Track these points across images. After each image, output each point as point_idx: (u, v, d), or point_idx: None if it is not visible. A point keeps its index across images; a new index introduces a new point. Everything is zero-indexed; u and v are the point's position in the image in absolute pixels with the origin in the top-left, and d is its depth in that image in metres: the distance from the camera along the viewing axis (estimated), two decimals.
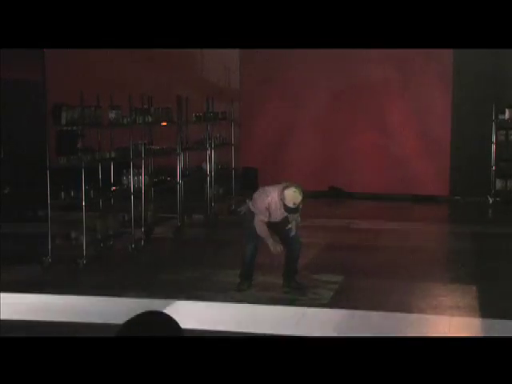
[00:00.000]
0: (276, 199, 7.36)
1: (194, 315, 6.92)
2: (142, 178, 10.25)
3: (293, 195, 7.25)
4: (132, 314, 2.50)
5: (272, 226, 7.61)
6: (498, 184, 14.40)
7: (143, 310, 2.55)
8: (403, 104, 15.24)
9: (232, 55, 15.50)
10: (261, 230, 7.44)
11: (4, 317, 6.64)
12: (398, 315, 6.97)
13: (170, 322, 2.50)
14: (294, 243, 7.72)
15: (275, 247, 7.49)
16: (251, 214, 7.57)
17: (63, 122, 8.96)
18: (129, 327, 2.47)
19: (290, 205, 7.28)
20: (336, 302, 7.48)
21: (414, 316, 6.98)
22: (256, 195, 7.61)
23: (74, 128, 9.12)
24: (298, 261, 7.84)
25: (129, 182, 10.05)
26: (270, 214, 7.46)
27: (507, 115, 14.28)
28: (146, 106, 10.63)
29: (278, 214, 7.48)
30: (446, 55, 14.59)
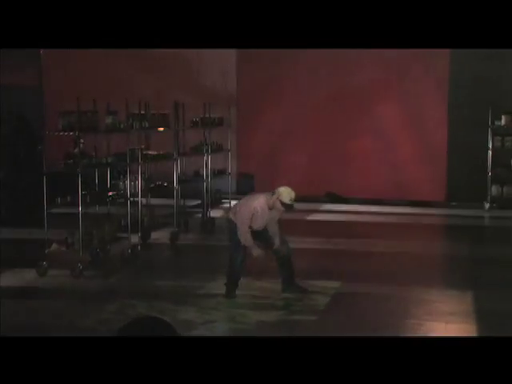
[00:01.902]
0: (263, 204, 7.43)
1: (190, 319, 6.91)
2: (139, 183, 10.25)
3: (288, 191, 7.41)
4: (128, 319, 2.51)
5: (257, 237, 7.63)
6: (494, 190, 14.44)
7: (140, 315, 2.56)
8: (400, 109, 15.27)
9: (229, 61, 15.52)
10: (245, 238, 7.47)
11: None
12: (394, 321, 6.96)
13: (167, 326, 2.51)
14: (281, 245, 7.72)
15: (257, 252, 7.52)
16: (233, 224, 7.60)
17: (60, 127, 8.96)
18: (126, 330, 2.47)
19: (287, 201, 7.37)
20: (332, 308, 7.48)
21: (409, 321, 6.97)
22: (241, 202, 7.67)
23: (71, 133, 9.11)
24: (291, 263, 7.83)
25: (125, 187, 10.04)
26: (252, 221, 7.47)
27: (503, 121, 14.32)
28: (142, 112, 10.63)
29: (261, 222, 7.53)
30: (443, 61, 14.64)
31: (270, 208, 7.46)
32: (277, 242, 7.65)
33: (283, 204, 7.38)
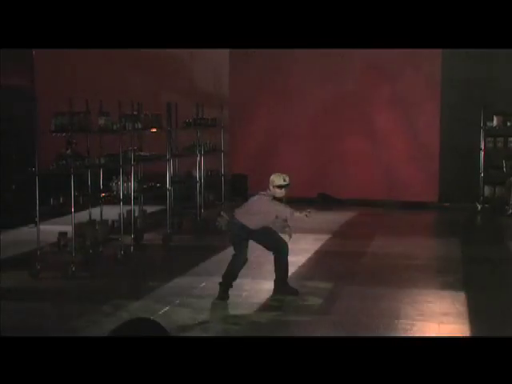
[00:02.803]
0: (270, 203, 7.58)
1: (181, 322, 6.91)
2: (132, 184, 10.24)
3: (279, 174, 7.66)
4: (120, 321, 2.51)
5: (256, 237, 7.69)
6: (487, 191, 14.49)
7: (132, 317, 2.56)
8: (392, 111, 15.30)
9: (222, 61, 15.52)
10: (291, 212, 7.49)
11: None
12: (387, 321, 6.98)
13: (158, 327, 2.52)
14: (282, 248, 7.78)
15: (303, 212, 7.55)
16: (234, 226, 7.67)
17: (52, 128, 8.94)
18: (118, 332, 2.48)
19: (282, 182, 7.59)
20: (326, 308, 7.49)
21: (402, 322, 6.98)
22: (253, 205, 7.72)
23: (64, 134, 9.10)
24: (287, 263, 7.87)
25: (118, 189, 10.03)
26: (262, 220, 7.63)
27: (495, 122, 14.37)
28: (135, 112, 10.62)
29: (270, 221, 7.67)
30: (435, 62, 14.68)
31: (276, 198, 7.64)
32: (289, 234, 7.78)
33: (279, 186, 7.57)
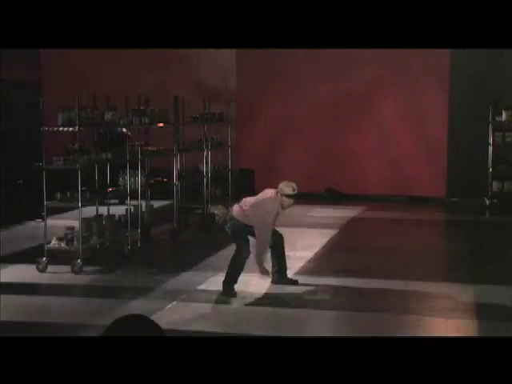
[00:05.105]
0: (278, 207, 7.58)
1: (188, 317, 6.91)
2: (139, 179, 10.23)
3: (287, 183, 7.63)
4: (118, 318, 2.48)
5: (252, 231, 7.66)
6: (495, 186, 14.42)
7: (135, 313, 2.54)
8: (400, 105, 15.24)
9: (229, 56, 15.48)
10: (264, 251, 7.55)
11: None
12: (394, 317, 6.96)
13: (150, 324, 2.49)
14: (277, 239, 7.81)
15: (264, 272, 7.66)
16: (238, 222, 7.60)
17: (59, 122, 8.94)
18: (110, 331, 2.46)
19: (290, 191, 7.55)
20: (333, 303, 7.47)
21: (409, 317, 6.96)
22: (252, 203, 7.63)
23: (71, 129, 9.09)
24: (284, 252, 7.92)
25: (125, 183, 10.03)
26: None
27: (504, 117, 14.29)
28: (142, 107, 10.61)
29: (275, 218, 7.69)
30: (443, 56, 14.59)
31: (284, 208, 7.67)
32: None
33: (288, 196, 7.53)
